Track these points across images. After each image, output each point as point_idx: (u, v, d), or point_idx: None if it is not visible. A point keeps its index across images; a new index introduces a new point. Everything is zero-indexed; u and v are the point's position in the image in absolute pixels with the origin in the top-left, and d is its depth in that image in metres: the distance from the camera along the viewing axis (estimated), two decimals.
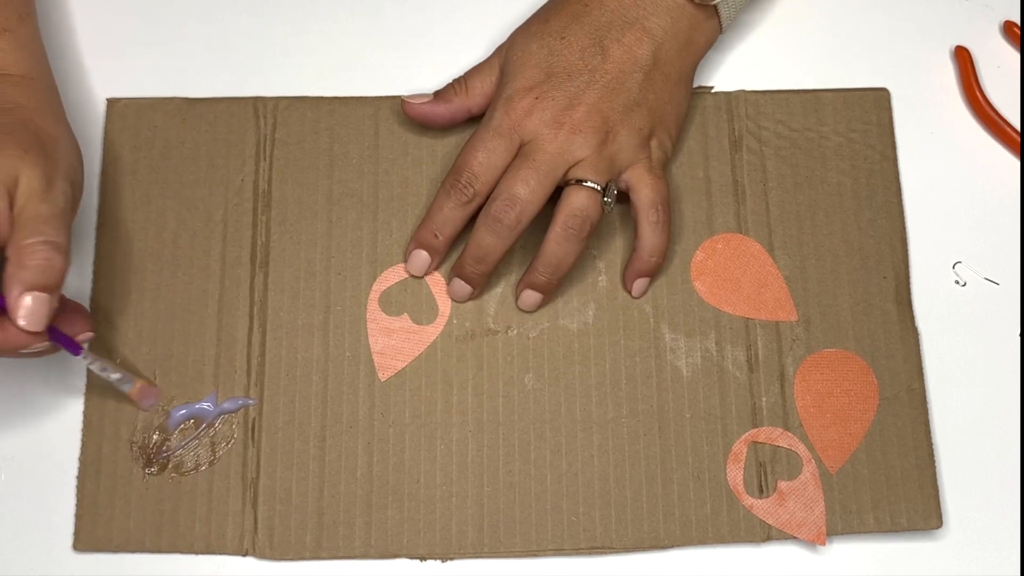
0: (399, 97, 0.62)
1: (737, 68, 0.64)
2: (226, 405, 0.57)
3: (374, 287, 0.59)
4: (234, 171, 0.61)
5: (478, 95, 0.60)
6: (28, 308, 0.48)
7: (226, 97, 0.62)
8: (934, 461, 0.57)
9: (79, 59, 0.59)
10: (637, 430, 0.58)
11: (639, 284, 0.59)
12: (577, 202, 0.56)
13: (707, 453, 0.57)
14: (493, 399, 0.58)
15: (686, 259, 0.60)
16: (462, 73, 0.60)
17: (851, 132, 0.63)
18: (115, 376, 0.55)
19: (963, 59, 0.64)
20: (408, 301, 0.59)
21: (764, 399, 0.58)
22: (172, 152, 0.61)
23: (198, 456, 0.57)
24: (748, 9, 0.66)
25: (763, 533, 0.56)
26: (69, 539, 0.56)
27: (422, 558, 0.56)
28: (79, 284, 0.59)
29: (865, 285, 0.60)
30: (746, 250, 0.61)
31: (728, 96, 0.63)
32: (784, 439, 0.58)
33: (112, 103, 0.62)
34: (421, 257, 0.59)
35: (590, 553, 0.56)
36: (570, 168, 0.56)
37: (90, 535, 0.56)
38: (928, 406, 0.59)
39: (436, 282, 0.60)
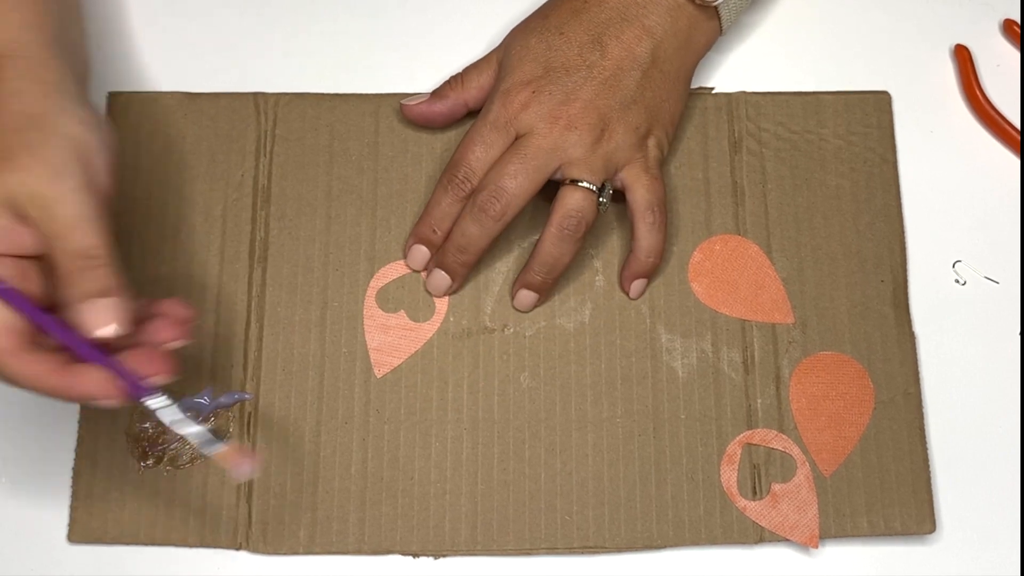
0: (399, 95, 0.62)
1: (737, 69, 0.64)
2: (222, 399, 0.57)
3: (371, 283, 0.60)
4: (234, 166, 0.61)
5: (474, 89, 0.60)
6: (88, 318, 0.44)
7: (227, 92, 0.62)
8: (928, 466, 0.57)
9: None
10: (632, 430, 0.58)
11: (636, 285, 0.59)
12: (572, 202, 0.56)
13: (701, 454, 0.57)
14: (488, 397, 0.58)
15: (684, 260, 0.60)
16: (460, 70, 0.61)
17: (851, 135, 0.62)
18: (192, 431, 0.47)
19: (963, 58, 0.64)
20: (405, 298, 0.60)
21: (759, 401, 0.58)
22: (173, 146, 0.62)
23: (193, 450, 0.57)
24: (749, 11, 0.66)
25: (756, 535, 0.56)
26: (64, 530, 0.56)
27: (415, 555, 0.56)
28: None
29: (863, 288, 0.60)
30: (744, 252, 0.61)
31: (728, 97, 0.63)
32: (778, 441, 0.58)
33: (113, 97, 0.62)
34: (420, 252, 0.59)
35: (583, 552, 0.56)
36: (563, 164, 0.56)
37: (85, 527, 0.56)
38: (925, 408, 0.59)
39: None
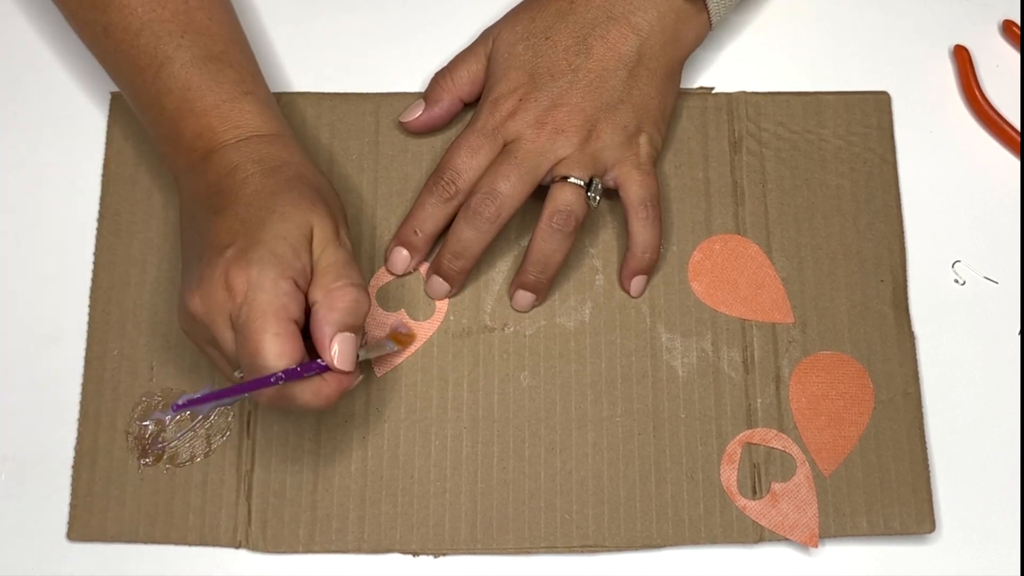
0: (400, 94, 0.63)
1: (737, 69, 0.65)
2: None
3: (372, 282, 0.60)
4: None
5: (466, 83, 0.60)
6: (341, 350, 0.49)
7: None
8: (928, 465, 0.57)
9: (83, 53, 0.59)
10: (632, 429, 0.58)
11: (636, 282, 0.59)
12: (561, 197, 0.56)
13: (701, 453, 0.57)
14: (488, 396, 0.58)
15: (684, 259, 0.60)
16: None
17: (851, 135, 0.63)
18: (384, 345, 0.56)
19: (962, 58, 0.64)
20: (405, 297, 0.60)
21: (759, 400, 0.58)
22: None
23: (193, 448, 0.57)
24: (742, 8, 0.66)
25: (755, 534, 0.56)
26: (64, 529, 0.56)
27: (415, 553, 0.56)
28: (80, 277, 0.60)
29: (862, 288, 0.60)
30: (744, 251, 0.61)
31: (728, 97, 0.63)
32: (778, 441, 0.58)
33: (116, 97, 0.63)
34: (401, 255, 0.59)
35: (582, 551, 0.56)
36: (554, 166, 0.56)
37: (84, 525, 0.56)
38: (924, 408, 0.59)
39: None
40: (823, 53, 0.65)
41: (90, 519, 0.56)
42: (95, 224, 0.60)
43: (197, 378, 0.58)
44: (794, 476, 0.57)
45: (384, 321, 0.59)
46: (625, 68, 0.58)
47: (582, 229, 0.58)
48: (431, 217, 0.58)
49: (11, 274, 0.60)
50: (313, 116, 0.62)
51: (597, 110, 0.57)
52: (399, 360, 0.58)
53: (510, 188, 0.56)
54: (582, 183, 0.56)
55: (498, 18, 0.61)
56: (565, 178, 0.56)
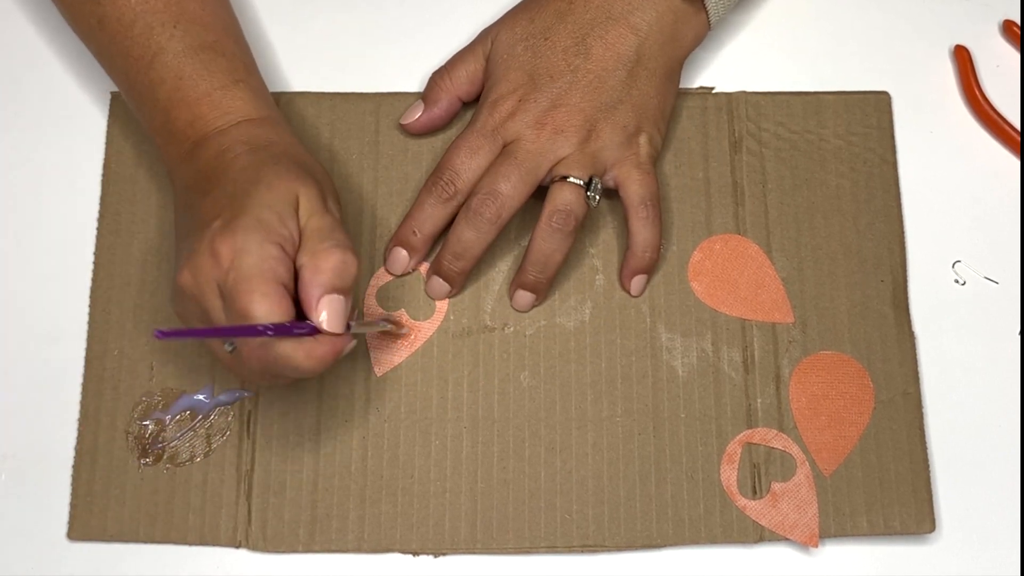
0: (400, 94, 0.63)
1: (738, 69, 0.65)
2: (222, 397, 0.57)
3: (372, 282, 0.60)
4: None
5: (464, 83, 0.60)
6: (330, 312, 0.48)
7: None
8: (928, 465, 0.57)
9: (83, 54, 0.59)
10: (632, 429, 0.58)
11: (636, 282, 0.59)
12: (560, 197, 0.56)
13: (701, 453, 0.57)
14: (488, 396, 0.58)
15: (684, 259, 0.60)
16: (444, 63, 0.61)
17: (851, 135, 0.63)
18: (378, 323, 0.57)
19: (962, 58, 0.64)
20: (405, 296, 0.60)
21: (759, 400, 0.58)
22: None
23: (193, 447, 0.57)
24: (741, 8, 0.66)
25: (756, 534, 0.56)
26: (64, 528, 0.56)
27: (415, 553, 0.56)
28: (80, 277, 0.60)
29: (862, 288, 0.60)
30: (744, 251, 0.61)
31: (728, 97, 0.63)
32: (778, 441, 0.58)
33: (116, 97, 0.63)
34: (400, 255, 0.59)
35: (582, 551, 0.56)
36: (554, 166, 0.57)
37: (85, 524, 0.56)
38: (925, 408, 0.59)
39: None
40: (823, 53, 0.65)
41: (90, 519, 0.56)
42: (95, 224, 0.60)
43: (197, 378, 0.58)
44: (794, 476, 0.57)
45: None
46: (624, 68, 0.58)
47: (582, 229, 0.58)
48: (430, 217, 0.58)
49: (11, 274, 0.60)
50: (313, 116, 0.62)
51: (596, 110, 0.57)
52: (399, 360, 0.58)
53: (510, 189, 0.56)
54: (582, 183, 0.56)
55: (497, 18, 0.61)
56: (565, 178, 0.56)
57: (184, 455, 0.57)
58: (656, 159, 0.59)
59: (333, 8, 0.65)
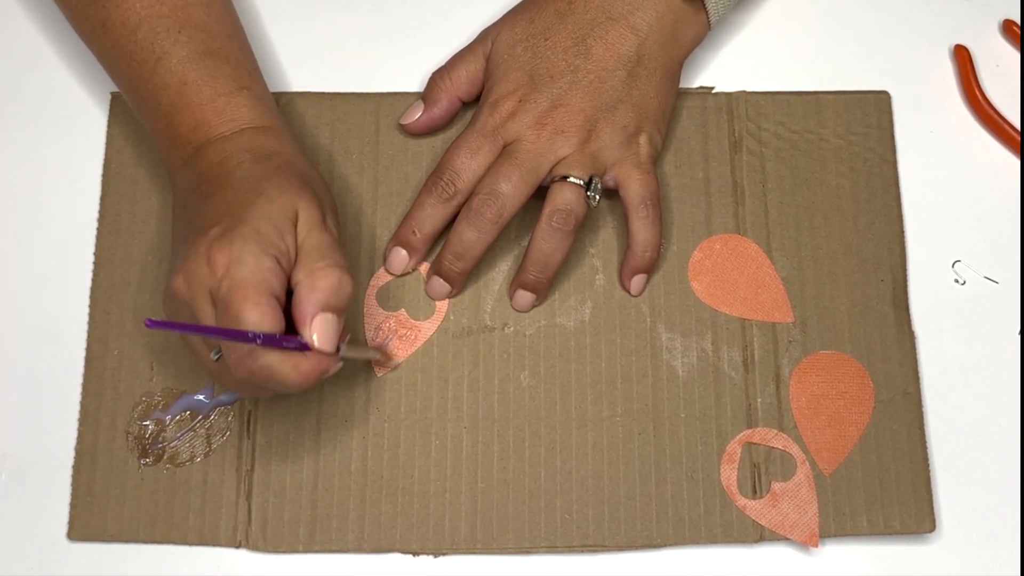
0: (400, 94, 0.63)
1: (737, 69, 0.65)
2: (222, 397, 0.57)
3: (372, 282, 0.60)
4: None
5: (464, 83, 0.60)
6: (322, 329, 0.48)
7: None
8: (928, 465, 0.57)
9: (84, 54, 0.59)
10: (632, 429, 0.58)
11: (636, 281, 0.59)
12: (560, 197, 0.56)
13: (701, 453, 0.57)
14: (488, 396, 0.58)
15: (684, 259, 0.60)
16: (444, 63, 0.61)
17: (851, 135, 0.63)
18: (372, 351, 0.57)
19: (962, 58, 0.64)
20: (406, 296, 0.60)
21: (759, 400, 0.58)
22: None
23: (193, 448, 0.57)
24: (742, 8, 0.66)
25: (756, 534, 0.56)
26: (64, 528, 0.56)
27: (415, 553, 0.56)
28: (80, 276, 0.60)
29: (862, 288, 0.60)
30: (744, 251, 0.61)
31: (729, 97, 0.63)
32: (778, 440, 0.58)
33: (116, 97, 0.63)
34: (400, 255, 0.59)
35: (582, 551, 0.56)
36: (554, 166, 0.57)
37: (85, 525, 0.56)
38: (924, 408, 0.59)
39: None
40: (823, 53, 0.65)
41: (90, 519, 0.56)
42: (95, 224, 0.60)
43: (197, 378, 0.58)
44: (794, 476, 0.57)
45: (381, 322, 0.59)
46: (624, 68, 0.58)
47: (582, 228, 0.58)
48: (430, 217, 0.58)
49: (11, 274, 0.60)
50: (313, 116, 0.62)
51: (596, 110, 0.57)
52: (400, 360, 0.58)
53: (511, 189, 0.56)
54: (581, 182, 0.56)
55: (497, 17, 0.61)
56: (565, 178, 0.56)
57: (184, 455, 0.57)
58: (656, 159, 0.59)
59: (333, 8, 0.65)
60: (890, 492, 0.57)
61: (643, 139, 0.58)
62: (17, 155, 0.62)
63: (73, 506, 0.56)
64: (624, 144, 0.58)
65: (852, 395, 0.58)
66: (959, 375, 0.59)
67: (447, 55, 0.62)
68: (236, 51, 0.56)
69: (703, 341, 0.59)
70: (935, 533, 0.57)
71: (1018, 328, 0.60)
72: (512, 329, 0.59)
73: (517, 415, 0.58)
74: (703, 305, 0.60)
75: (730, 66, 0.65)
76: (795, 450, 0.57)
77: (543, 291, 0.59)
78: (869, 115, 0.63)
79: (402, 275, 0.60)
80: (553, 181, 0.57)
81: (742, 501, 0.57)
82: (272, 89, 0.62)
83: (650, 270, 0.59)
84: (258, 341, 0.46)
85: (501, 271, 0.60)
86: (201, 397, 0.57)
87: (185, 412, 0.57)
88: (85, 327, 0.59)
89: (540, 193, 0.57)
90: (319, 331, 0.48)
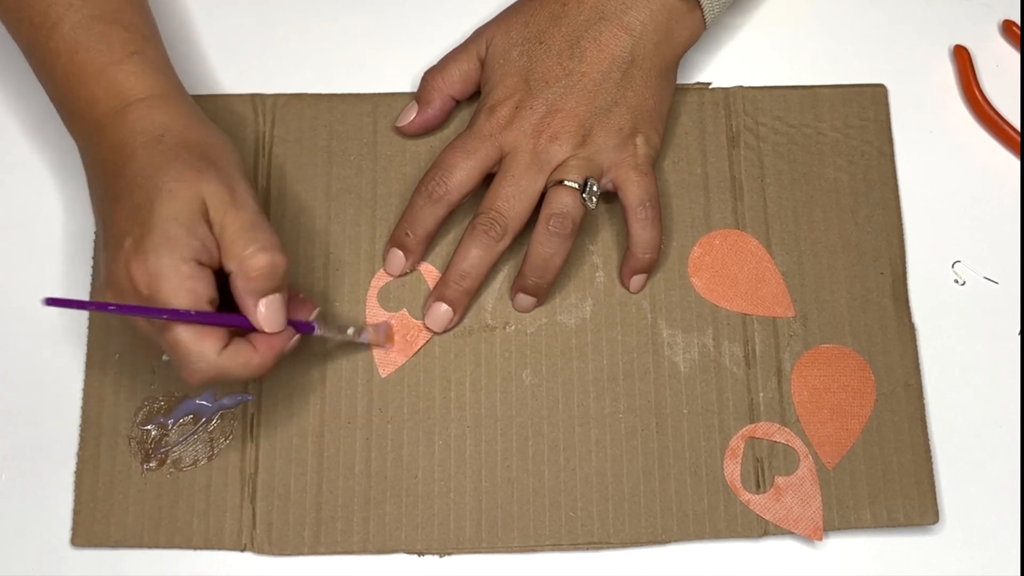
0: (398, 95, 0.63)
1: (735, 64, 0.65)
2: (225, 401, 0.57)
3: (372, 283, 0.60)
4: None
5: (457, 82, 0.60)
6: (267, 314, 0.49)
7: (225, 94, 0.63)
8: (931, 456, 0.57)
9: None
10: (635, 426, 0.58)
11: (636, 280, 0.59)
12: (556, 201, 0.56)
13: (704, 448, 0.57)
14: (491, 395, 0.58)
15: (683, 255, 0.61)
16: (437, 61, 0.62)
17: (848, 128, 0.63)
18: (350, 333, 0.56)
19: (962, 58, 0.64)
20: (407, 297, 0.60)
21: (761, 395, 0.58)
22: None
23: (196, 452, 0.57)
24: (740, 8, 0.66)
25: (760, 528, 0.56)
26: (67, 534, 0.56)
27: (420, 553, 0.56)
28: (80, 277, 0.60)
29: (862, 281, 0.60)
30: (743, 246, 0.61)
31: (726, 92, 0.63)
32: (781, 435, 0.58)
33: None
34: (396, 256, 0.59)
35: (588, 548, 0.56)
36: (552, 172, 0.57)
37: (88, 530, 0.56)
38: (926, 403, 0.59)
39: (435, 278, 0.60)
40: (823, 53, 0.65)
41: (94, 524, 0.56)
42: (94, 228, 0.60)
43: None
44: (797, 470, 0.57)
45: (384, 322, 0.59)
46: (619, 70, 0.58)
47: (582, 227, 0.58)
48: (420, 219, 0.58)
49: (11, 274, 0.60)
50: (311, 117, 0.62)
51: (591, 114, 0.57)
52: (401, 361, 0.58)
53: (511, 208, 0.56)
54: (577, 185, 0.56)
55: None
56: (561, 182, 0.56)
57: (187, 459, 0.57)
58: (655, 160, 0.59)
59: (332, 10, 0.65)
60: (893, 484, 0.57)
61: (640, 140, 0.58)
62: (17, 155, 0.62)
63: (76, 512, 0.56)
64: (620, 146, 0.58)
65: (853, 388, 0.59)
66: (960, 374, 0.60)
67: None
68: (132, 15, 0.55)
69: (704, 337, 0.59)
70: (938, 525, 0.57)
71: (1018, 328, 0.61)
72: (513, 328, 0.59)
73: (520, 414, 0.58)
74: (703, 301, 0.60)
75: (728, 62, 0.65)
76: (798, 444, 0.58)
77: (543, 295, 0.59)
78: (866, 108, 0.63)
79: (400, 276, 0.60)
80: (549, 186, 0.57)
81: (746, 496, 0.57)
82: (270, 90, 0.62)
83: (650, 270, 0.59)
84: (191, 317, 0.47)
85: (501, 270, 0.60)
86: (204, 401, 0.57)
87: (188, 416, 0.57)
88: (85, 328, 0.59)
89: (540, 197, 0.57)
90: (265, 316, 0.49)
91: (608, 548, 0.56)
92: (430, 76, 0.61)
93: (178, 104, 0.54)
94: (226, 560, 0.56)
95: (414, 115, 0.61)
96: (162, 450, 0.57)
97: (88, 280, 0.59)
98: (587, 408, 0.58)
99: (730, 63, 0.65)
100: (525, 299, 0.59)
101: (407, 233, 0.58)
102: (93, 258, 0.60)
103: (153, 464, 0.57)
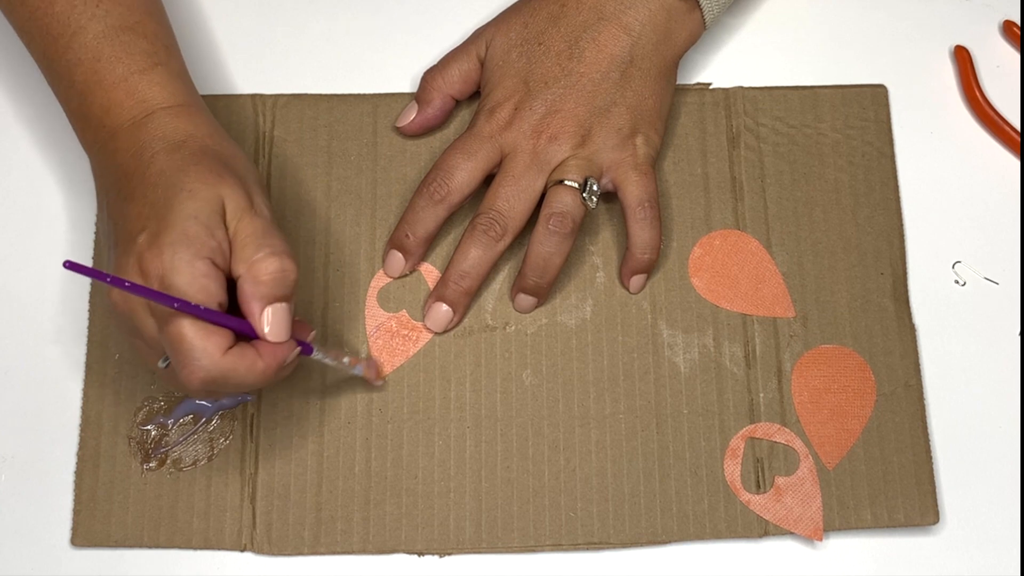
0: (398, 95, 0.63)
1: (735, 64, 0.65)
2: (224, 401, 0.57)
3: (372, 283, 0.60)
4: None
5: (457, 82, 0.60)
6: (273, 322, 0.48)
7: (225, 94, 0.63)
8: (931, 457, 0.57)
9: None
10: (635, 426, 0.58)
11: (636, 280, 0.59)
12: (556, 200, 0.56)
13: (704, 449, 0.57)
14: (491, 395, 0.58)
15: (684, 255, 0.61)
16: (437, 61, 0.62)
17: (849, 129, 0.63)
18: (345, 361, 0.55)
19: (962, 59, 0.64)
20: (406, 297, 0.60)
21: (761, 395, 0.58)
22: None
23: (196, 452, 0.57)
24: (740, 8, 0.66)
25: (760, 529, 0.56)
26: (67, 534, 0.56)
27: (420, 553, 0.56)
28: (80, 277, 0.60)
29: (863, 281, 0.60)
30: (744, 246, 0.61)
31: (726, 93, 0.63)
32: (781, 435, 0.58)
33: None
34: (395, 258, 0.59)
35: (588, 548, 0.56)
36: (551, 172, 0.57)
37: (88, 530, 0.56)
38: (927, 403, 0.59)
39: (435, 278, 0.60)
40: (823, 54, 0.65)
41: (94, 524, 0.56)
42: (93, 229, 0.60)
43: None
44: (798, 470, 0.57)
45: (382, 323, 0.59)
46: (618, 70, 0.58)
47: (582, 227, 0.58)
48: (420, 220, 0.58)
49: (11, 274, 0.60)
50: (311, 118, 0.62)
51: (591, 114, 0.57)
52: (401, 361, 0.58)
53: (511, 208, 0.56)
54: (576, 185, 0.56)
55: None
56: (560, 181, 0.56)
57: (187, 459, 0.57)
58: (655, 160, 0.59)
59: (332, 10, 0.65)
60: (893, 485, 0.57)
61: (639, 140, 0.58)
62: (17, 155, 0.62)
63: (76, 512, 0.56)
64: (619, 146, 0.58)
65: (854, 388, 0.58)
66: (960, 374, 0.60)
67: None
68: (154, 26, 0.55)
69: (704, 337, 0.59)
70: (939, 525, 0.57)
71: (1018, 329, 0.61)
72: (514, 328, 0.59)
73: (520, 414, 0.58)
74: (704, 301, 0.60)
75: (728, 62, 0.65)
76: (798, 444, 0.58)
77: (544, 295, 0.59)
78: (866, 109, 0.63)
79: (400, 277, 0.60)
80: (549, 186, 0.57)
81: (746, 496, 0.57)
82: (270, 91, 0.62)
83: (649, 271, 0.59)
84: (205, 318, 0.46)
85: (501, 270, 0.60)
86: (204, 401, 0.57)
87: (188, 416, 0.57)
88: (85, 328, 0.59)
89: (540, 197, 0.57)
90: (271, 324, 0.48)
91: (608, 548, 0.56)
92: (430, 76, 0.61)
93: (201, 114, 0.54)
94: (226, 560, 0.56)
95: (414, 115, 0.61)
96: (162, 450, 0.57)
97: (88, 280, 0.59)
98: (587, 408, 0.58)
99: (730, 63, 0.65)
100: (525, 299, 0.59)
101: (407, 234, 0.58)
102: (93, 259, 0.60)
103: (153, 464, 0.57)
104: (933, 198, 0.63)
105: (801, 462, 0.57)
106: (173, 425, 0.57)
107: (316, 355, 0.53)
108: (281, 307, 0.48)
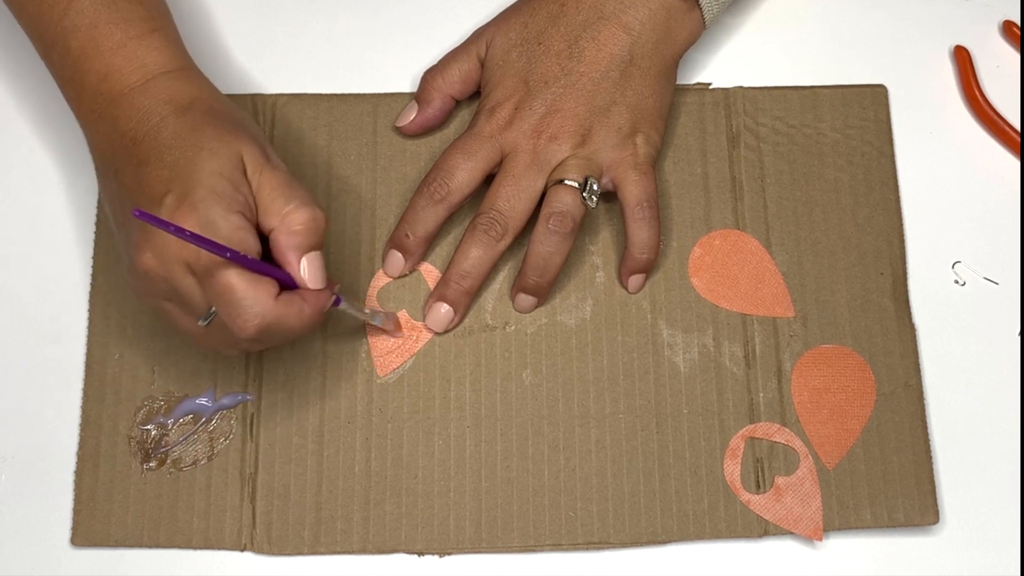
0: (398, 95, 0.63)
1: (735, 64, 0.65)
2: (224, 401, 0.57)
3: (372, 283, 0.60)
4: None
5: (457, 81, 0.61)
6: (311, 270, 0.49)
7: (225, 94, 0.62)
8: (931, 457, 0.57)
9: None
10: (635, 426, 0.58)
11: (635, 280, 0.59)
12: (556, 200, 0.56)
13: (704, 449, 0.57)
14: (491, 395, 0.58)
15: (683, 255, 0.61)
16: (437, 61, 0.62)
17: (848, 128, 0.63)
18: (368, 312, 0.56)
19: (962, 59, 0.64)
20: (407, 297, 0.60)
21: (761, 395, 0.58)
22: None
23: (196, 451, 0.57)
24: (740, 8, 0.66)
25: (760, 528, 0.56)
26: (67, 534, 0.56)
27: (420, 553, 0.56)
28: (80, 277, 0.60)
29: (862, 281, 0.60)
30: (744, 246, 0.61)
31: (726, 92, 0.63)
32: (781, 435, 0.58)
33: None
34: (395, 258, 0.59)
35: (587, 548, 0.56)
36: (552, 172, 0.57)
37: (88, 530, 0.56)
38: (926, 403, 0.59)
39: (435, 278, 0.60)
40: (823, 53, 0.65)
41: (94, 524, 0.56)
42: (94, 227, 0.60)
43: (200, 381, 0.58)
44: (797, 470, 0.57)
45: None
46: (617, 69, 0.58)
47: (581, 227, 0.58)
48: (421, 220, 0.58)
49: (11, 274, 0.60)
50: (311, 117, 0.62)
51: (590, 114, 0.57)
52: (402, 361, 0.58)
53: (512, 207, 0.57)
54: (576, 184, 0.56)
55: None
56: (561, 181, 0.56)
57: (187, 459, 0.57)
58: (655, 159, 0.59)
59: (331, 10, 0.65)
60: (893, 484, 0.57)
61: (639, 140, 0.58)
62: (17, 155, 0.62)
63: (76, 512, 0.56)
64: (619, 146, 0.58)
65: (854, 388, 0.58)
66: (960, 374, 0.60)
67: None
68: None
69: (704, 337, 0.59)
70: (939, 525, 0.57)
71: (1018, 329, 0.61)
72: (513, 328, 0.59)
73: (520, 413, 0.58)
74: (704, 301, 0.60)
75: (728, 62, 0.65)
76: (798, 444, 0.58)
77: (544, 294, 0.59)
78: (866, 108, 0.63)
79: (400, 277, 0.60)
80: (549, 185, 0.57)
81: (746, 496, 0.57)
82: (270, 91, 0.63)
83: (648, 270, 0.59)
84: (253, 268, 0.47)
85: (501, 270, 0.60)
86: (203, 401, 0.57)
87: (187, 416, 0.57)
88: (85, 328, 0.59)
89: (540, 197, 0.57)
90: (309, 272, 0.49)
91: (608, 548, 0.56)
92: (430, 76, 0.61)
93: (201, 77, 0.54)
94: (226, 560, 0.56)
95: (414, 115, 0.61)
96: (162, 450, 0.57)
97: (88, 279, 0.59)
98: (587, 408, 0.58)
99: (730, 63, 0.65)
100: (526, 299, 0.59)
101: (407, 234, 0.58)
102: (93, 259, 0.60)
103: (153, 464, 0.57)
104: (933, 198, 0.63)
105: (801, 462, 0.57)
106: (173, 425, 0.57)
107: (343, 305, 0.53)
108: (316, 255, 0.49)
